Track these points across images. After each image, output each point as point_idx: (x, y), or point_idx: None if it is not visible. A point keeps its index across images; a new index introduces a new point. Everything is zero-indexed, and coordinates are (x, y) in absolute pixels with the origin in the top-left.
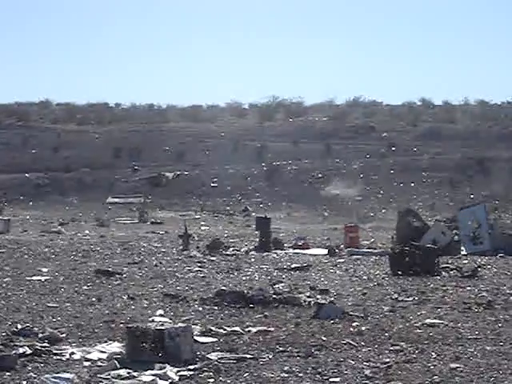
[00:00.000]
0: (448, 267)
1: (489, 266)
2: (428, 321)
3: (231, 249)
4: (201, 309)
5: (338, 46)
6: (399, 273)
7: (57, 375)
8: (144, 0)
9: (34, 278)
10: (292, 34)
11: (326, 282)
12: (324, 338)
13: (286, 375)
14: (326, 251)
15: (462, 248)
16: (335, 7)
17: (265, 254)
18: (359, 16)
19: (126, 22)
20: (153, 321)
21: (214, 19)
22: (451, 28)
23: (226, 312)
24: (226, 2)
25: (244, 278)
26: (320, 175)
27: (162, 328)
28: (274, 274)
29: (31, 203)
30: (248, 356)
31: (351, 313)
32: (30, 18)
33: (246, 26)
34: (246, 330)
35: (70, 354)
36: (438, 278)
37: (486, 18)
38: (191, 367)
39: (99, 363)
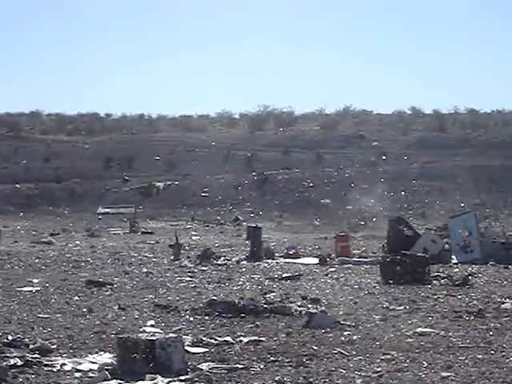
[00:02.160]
0: (439, 276)
1: (480, 275)
2: (419, 329)
3: (222, 258)
4: (192, 319)
5: (329, 56)
6: (390, 282)
7: None
8: (135, 11)
9: (24, 289)
10: (282, 43)
11: (317, 292)
12: (315, 348)
13: None
14: (317, 260)
15: (453, 256)
16: (325, 17)
17: (256, 263)
18: (349, 26)
19: (116, 32)
20: (144, 331)
21: (204, 30)
22: (441, 37)
23: (217, 322)
24: (216, 13)
25: (235, 288)
26: (311, 184)
27: (153, 338)
28: (265, 283)
29: (22, 214)
30: (239, 366)
31: (342, 322)
32: (19, 29)
33: (235, 35)
34: (238, 339)
35: (61, 365)
36: (429, 286)
37: (475, 27)
38: (182, 378)
39: (90, 374)
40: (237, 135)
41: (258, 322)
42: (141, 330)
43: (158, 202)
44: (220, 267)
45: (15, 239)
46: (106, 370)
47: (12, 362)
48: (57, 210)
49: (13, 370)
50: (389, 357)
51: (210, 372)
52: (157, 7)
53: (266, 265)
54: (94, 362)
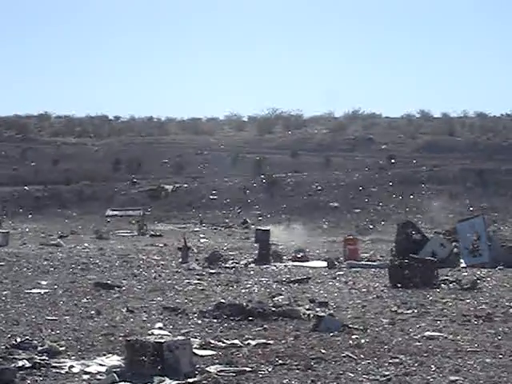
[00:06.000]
0: (447, 280)
1: (488, 279)
2: (427, 333)
3: (230, 261)
4: (200, 322)
5: (337, 59)
6: (398, 285)
7: None
8: (143, 13)
9: (33, 290)
10: (291, 46)
11: (325, 295)
12: (323, 351)
13: None
14: (325, 264)
15: (462, 260)
16: (334, 20)
17: (264, 266)
18: (358, 29)
19: (125, 34)
20: (152, 334)
21: (213, 32)
22: (450, 41)
23: (226, 325)
24: (225, 15)
25: (243, 291)
26: (320, 187)
27: (161, 341)
28: (274, 286)
29: (30, 216)
30: (247, 369)
31: (350, 325)
32: (28, 32)
33: (244, 38)
34: (246, 342)
35: (69, 367)
36: (438, 290)
37: (484, 31)
38: (190, 380)
39: (98, 376)
40: (245, 138)
41: (266, 325)
42: (149, 332)
43: (167, 205)
44: (228, 270)
45: (24, 241)
46: (114, 372)
47: (20, 363)
48: (65, 212)
49: (21, 372)
50: (397, 360)
51: (218, 375)
52: (166, 9)
53: (274, 268)
54: (102, 365)
